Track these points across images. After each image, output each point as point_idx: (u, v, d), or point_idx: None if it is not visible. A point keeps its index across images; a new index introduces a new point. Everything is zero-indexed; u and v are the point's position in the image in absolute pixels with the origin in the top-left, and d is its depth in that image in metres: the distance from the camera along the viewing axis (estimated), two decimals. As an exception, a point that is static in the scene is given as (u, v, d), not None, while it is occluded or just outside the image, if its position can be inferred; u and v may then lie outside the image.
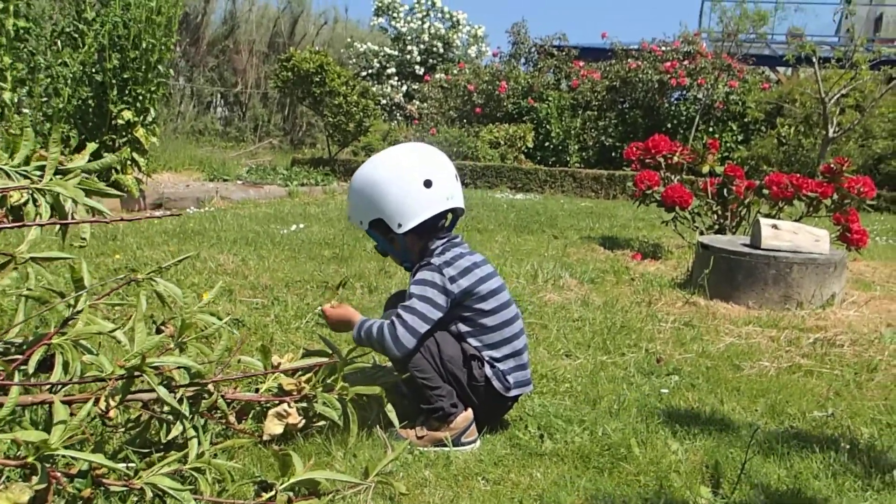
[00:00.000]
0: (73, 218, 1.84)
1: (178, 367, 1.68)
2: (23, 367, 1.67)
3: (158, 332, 1.94)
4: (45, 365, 1.72)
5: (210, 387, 1.76)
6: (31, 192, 1.75)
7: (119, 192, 2.00)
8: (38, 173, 1.85)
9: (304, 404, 1.98)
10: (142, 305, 1.77)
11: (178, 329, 1.85)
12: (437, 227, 2.21)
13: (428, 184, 2.09)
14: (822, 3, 15.23)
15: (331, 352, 2.12)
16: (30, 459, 1.39)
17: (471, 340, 2.15)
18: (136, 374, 1.57)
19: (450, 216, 2.27)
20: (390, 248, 2.27)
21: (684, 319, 3.64)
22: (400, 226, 2.11)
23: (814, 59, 10.27)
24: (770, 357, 3.08)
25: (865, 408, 2.53)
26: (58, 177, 1.76)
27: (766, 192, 5.19)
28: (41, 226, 1.65)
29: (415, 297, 2.08)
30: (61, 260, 1.84)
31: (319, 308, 3.23)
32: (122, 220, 1.72)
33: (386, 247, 2.27)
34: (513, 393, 2.16)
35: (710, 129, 12.54)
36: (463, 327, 2.16)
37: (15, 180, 1.77)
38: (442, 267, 2.11)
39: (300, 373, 2.02)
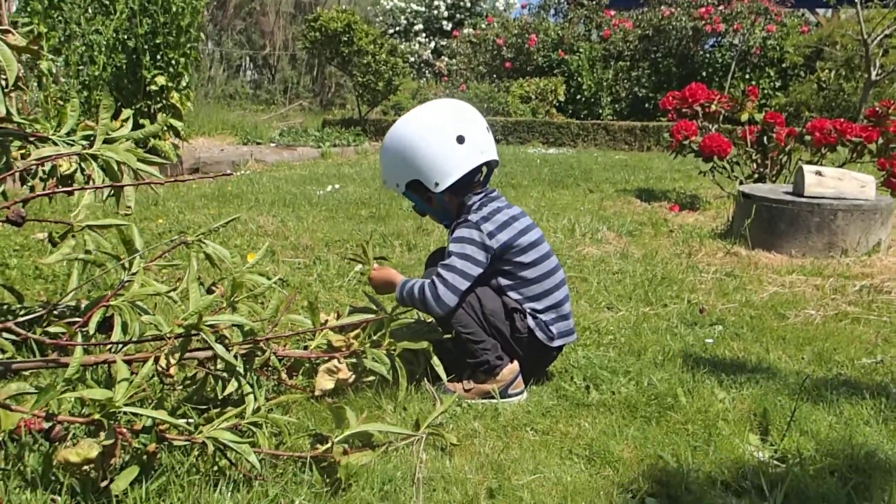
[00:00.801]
0: (120, 181, 1.87)
1: (232, 326, 1.71)
2: (83, 329, 1.72)
3: (209, 292, 1.98)
4: (105, 326, 1.77)
5: (262, 344, 1.79)
6: (78, 161, 1.78)
7: (161, 160, 2.02)
8: (84, 142, 1.88)
9: (353, 360, 2.01)
10: (193, 267, 1.80)
11: (230, 289, 1.88)
12: (473, 182, 2.19)
13: (461, 140, 2.08)
14: (863, -59, 14.64)
15: (376, 309, 2.15)
16: (95, 416, 1.44)
17: (511, 294, 2.15)
18: (193, 332, 1.61)
19: (484, 170, 2.24)
20: (428, 208, 2.26)
21: (726, 270, 3.61)
22: (437, 185, 2.10)
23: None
24: (815, 305, 3.05)
25: (915, 353, 2.50)
26: (106, 144, 1.78)
27: (807, 138, 5.09)
28: (97, 189, 1.68)
29: (454, 255, 2.07)
30: (114, 227, 1.87)
31: (358, 269, 3.26)
32: (173, 180, 1.75)
33: (424, 207, 2.26)
34: (556, 343, 2.17)
35: (747, 77, 12.28)
36: (503, 281, 2.16)
37: (63, 149, 1.80)
38: (480, 223, 2.09)
39: (348, 329, 2.05)
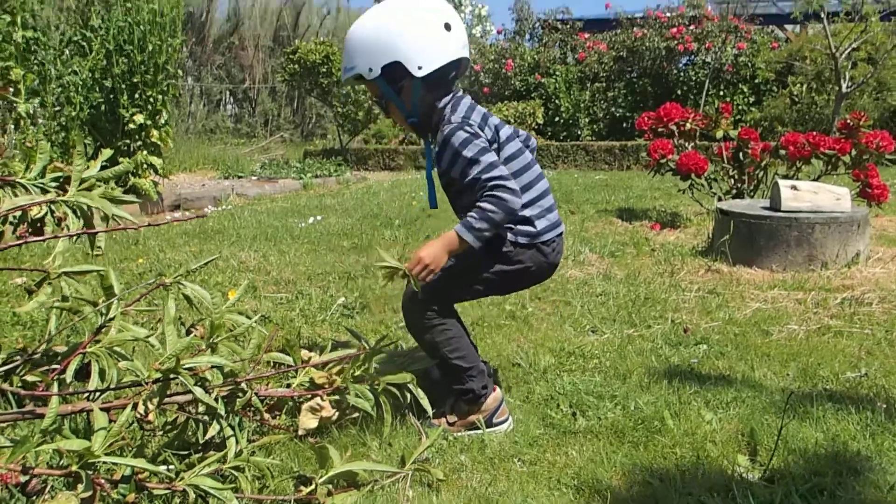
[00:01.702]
0: (94, 226, 1.85)
1: (212, 367, 1.69)
2: (60, 377, 1.69)
3: (189, 333, 1.96)
4: (82, 373, 1.74)
5: (243, 385, 1.77)
6: (48, 204, 1.77)
7: (137, 200, 2.01)
8: (54, 185, 1.87)
9: (337, 397, 2.00)
10: (171, 309, 1.78)
11: (209, 330, 1.87)
12: (447, 80, 2.08)
13: (448, 27, 1.99)
14: (829, -43, 14.93)
15: (359, 343, 2.13)
16: (73, 468, 1.42)
17: None
18: (172, 376, 1.59)
19: (454, 73, 2.11)
20: (396, 100, 2.05)
21: (708, 287, 3.62)
22: (420, 68, 1.96)
23: (822, 15, 10.13)
24: (798, 320, 3.06)
25: (898, 365, 2.51)
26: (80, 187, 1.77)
27: (782, 152, 5.14)
28: (71, 237, 1.66)
29: (471, 160, 1.93)
30: (92, 272, 1.85)
31: (341, 302, 3.25)
32: (147, 225, 1.74)
33: (392, 98, 2.05)
34: (546, 236, 2.10)
35: (721, 93, 12.42)
36: None
37: (34, 194, 1.78)
38: (463, 123, 1.97)
39: (330, 365, 2.03)
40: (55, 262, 1.84)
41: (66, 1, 6.32)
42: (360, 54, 1.99)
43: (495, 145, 2.03)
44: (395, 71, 1.97)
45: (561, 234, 2.18)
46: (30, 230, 1.79)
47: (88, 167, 1.99)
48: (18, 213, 1.72)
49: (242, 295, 3.31)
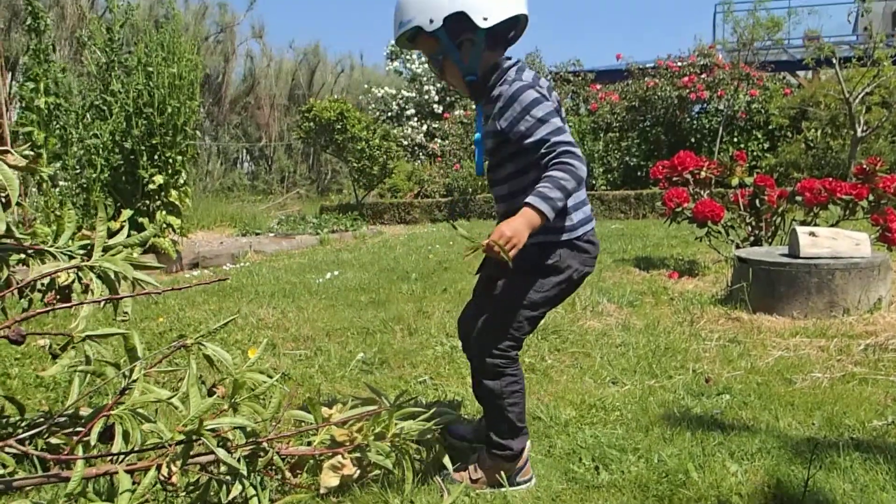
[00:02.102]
0: (119, 290, 1.89)
1: (234, 428, 1.70)
2: (85, 439, 1.71)
3: (210, 394, 1.97)
4: (106, 435, 1.75)
5: (265, 444, 1.77)
6: (76, 271, 1.80)
7: (159, 265, 2.04)
8: (82, 251, 1.91)
9: (358, 454, 1.99)
10: (192, 371, 1.80)
11: (231, 390, 1.88)
12: (508, 38, 2.04)
13: None
14: (836, 4, 15.14)
15: (379, 399, 2.13)
16: (98, 532, 1.42)
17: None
18: (195, 438, 1.60)
19: (512, 33, 2.07)
20: (456, 55, 1.95)
21: (729, 336, 3.60)
22: (485, 20, 1.87)
23: (834, 60, 10.22)
24: (821, 368, 3.03)
25: (925, 412, 2.48)
26: (103, 253, 1.81)
27: (799, 198, 5.14)
28: (96, 303, 1.69)
29: (542, 121, 1.85)
30: (115, 335, 1.88)
31: (360, 357, 3.25)
32: (171, 289, 1.77)
33: (451, 53, 1.95)
34: (584, 229, 2.02)
35: (735, 140, 12.47)
36: (533, 173, 1.91)
37: (61, 261, 1.82)
38: (535, 83, 1.92)
39: (351, 422, 2.03)
40: (79, 327, 1.87)
41: (88, 67, 6.48)
42: (419, 5, 1.89)
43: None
44: (457, 22, 1.88)
45: (593, 226, 2.09)
46: (57, 297, 1.82)
47: (114, 232, 2.04)
48: (47, 280, 1.76)
49: (262, 353, 3.33)
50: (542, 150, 1.84)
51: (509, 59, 2.01)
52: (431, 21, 1.87)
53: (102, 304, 1.95)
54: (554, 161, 1.81)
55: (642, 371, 3.09)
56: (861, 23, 13.62)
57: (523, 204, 1.78)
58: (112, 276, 1.85)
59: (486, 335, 2.03)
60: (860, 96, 10.13)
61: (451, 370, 3.13)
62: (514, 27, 2.03)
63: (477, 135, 2.08)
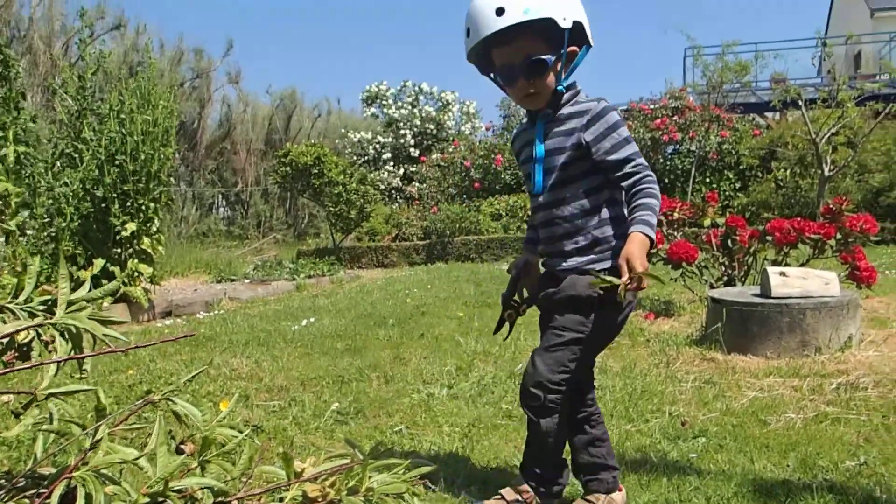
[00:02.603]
0: (83, 346, 1.86)
1: (202, 488, 1.67)
2: (46, 502, 1.66)
3: (179, 451, 1.93)
4: (68, 498, 1.71)
5: (235, 503, 1.74)
6: (36, 329, 1.77)
7: (121, 320, 2.01)
8: (42, 307, 1.88)
9: (331, 509, 1.96)
10: (160, 428, 1.77)
11: (200, 445, 1.84)
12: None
13: None
14: (800, 48, 15.55)
15: (353, 453, 2.11)
16: None
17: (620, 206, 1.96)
18: (161, 499, 1.56)
19: None
20: (542, 74, 1.89)
21: (704, 377, 3.60)
22: (591, 38, 1.93)
23: (800, 102, 10.46)
24: (795, 408, 3.04)
25: (899, 453, 2.48)
26: (67, 307, 1.78)
27: (769, 238, 5.21)
28: (59, 362, 1.66)
29: (627, 141, 1.88)
30: (80, 392, 1.84)
31: (334, 408, 3.20)
32: (136, 347, 1.74)
33: (560, 59, 1.89)
34: None
35: (708, 180, 12.66)
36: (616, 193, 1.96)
37: (21, 318, 1.79)
38: (611, 107, 1.92)
39: (323, 477, 2.00)
40: (43, 384, 1.84)
41: (60, 114, 6.46)
42: (551, 2, 1.81)
43: None
44: (575, 31, 1.86)
45: None
46: (17, 355, 1.79)
47: (80, 283, 2.01)
48: (6, 340, 1.73)
49: (234, 405, 3.28)
50: (627, 170, 1.85)
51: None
52: (564, 19, 1.81)
53: (64, 362, 1.92)
54: (644, 186, 1.82)
55: (619, 415, 3.08)
56: (825, 65, 13.96)
57: (633, 231, 1.77)
58: (76, 331, 1.83)
59: (546, 372, 1.94)
60: (826, 137, 10.35)
61: (427, 419, 3.10)
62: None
63: (539, 150, 1.97)
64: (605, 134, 1.87)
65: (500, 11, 1.77)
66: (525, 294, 2.15)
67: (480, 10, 1.81)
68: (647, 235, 1.76)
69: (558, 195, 1.96)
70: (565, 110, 1.93)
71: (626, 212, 1.92)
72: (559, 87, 1.91)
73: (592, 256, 1.93)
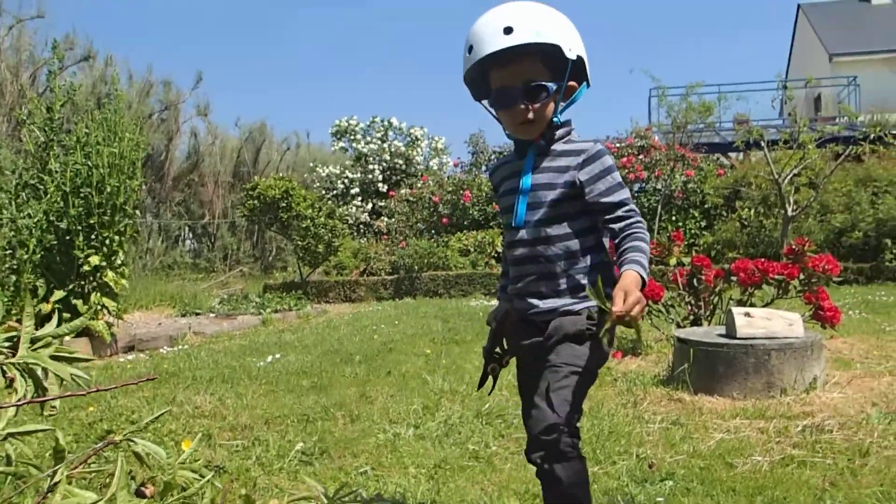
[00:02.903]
0: (45, 384, 1.81)
1: (161, 534, 1.62)
2: (-2, 552, 1.60)
3: (140, 494, 1.88)
4: (22, 546, 1.65)
5: (195, 550, 1.69)
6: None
7: (87, 357, 1.96)
8: (6, 345, 1.83)
9: (294, 555, 1.91)
10: (121, 470, 1.72)
11: (161, 489, 1.80)
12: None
13: None
14: (762, 90, 15.91)
15: (319, 493, 2.06)
16: None
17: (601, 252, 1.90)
18: (118, 547, 1.52)
19: None
20: (542, 101, 1.84)
21: (671, 418, 3.61)
22: (587, 80, 1.92)
23: (762, 143, 10.68)
24: (761, 450, 3.05)
25: (863, 496, 2.50)
26: (31, 344, 1.74)
27: (734, 278, 5.28)
28: (19, 406, 1.61)
29: (621, 185, 1.83)
30: (39, 432, 1.79)
31: (299, 448, 3.14)
32: (97, 390, 1.70)
33: (560, 89, 1.84)
34: None
35: (674, 218, 12.83)
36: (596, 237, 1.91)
37: (-16, 355, 1.74)
38: (606, 150, 1.87)
39: (288, 522, 1.95)
40: (0, 424, 1.78)
41: (27, 145, 6.37)
42: (564, 29, 1.80)
43: None
44: (577, 66, 1.83)
45: None
46: (-26, 394, 1.74)
47: (44, 317, 1.96)
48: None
49: (197, 445, 3.21)
50: (620, 213, 1.80)
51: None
52: (570, 50, 1.78)
53: (24, 402, 1.87)
54: (635, 230, 1.77)
55: (587, 457, 3.06)
56: (786, 108, 14.31)
57: (626, 270, 1.67)
58: (39, 370, 1.78)
59: (555, 412, 1.76)
60: (789, 177, 10.58)
61: (393, 459, 3.06)
62: None
63: (526, 182, 1.88)
64: (600, 176, 1.82)
65: (508, 30, 1.73)
66: (506, 345, 2.05)
67: (487, 27, 1.77)
68: (640, 275, 1.68)
69: (543, 233, 1.86)
70: (559, 146, 1.87)
71: (608, 259, 1.88)
72: (555, 119, 1.85)
73: (569, 300, 1.85)
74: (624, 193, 1.81)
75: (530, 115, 1.83)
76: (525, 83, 1.80)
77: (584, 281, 1.84)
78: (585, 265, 1.85)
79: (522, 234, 1.88)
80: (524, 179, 1.88)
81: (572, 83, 1.85)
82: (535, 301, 1.88)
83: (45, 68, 12.17)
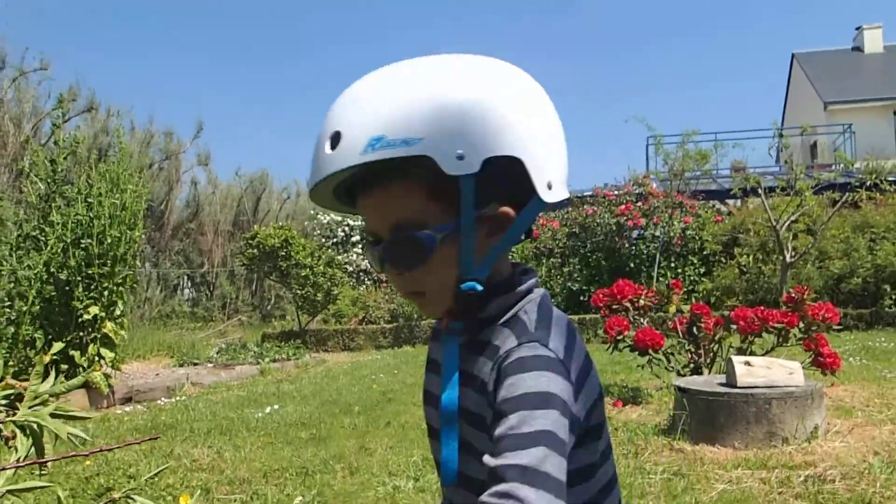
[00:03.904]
0: (43, 443, 1.80)
1: None
2: None
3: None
4: None
5: None
6: (-1, 423, 1.72)
7: (88, 416, 1.97)
8: (4, 402, 1.83)
9: None
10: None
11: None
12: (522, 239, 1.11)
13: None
14: (758, 138, 16.09)
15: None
16: None
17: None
18: None
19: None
20: (468, 241, 0.98)
21: (673, 469, 3.58)
22: (550, 188, 0.99)
23: (759, 191, 10.74)
24: (764, 501, 3.02)
25: (868, 549, 2.47)
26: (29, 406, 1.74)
27: (733, 327, 5.28)
28: (19, 467, 1.61)
29: (534, 435, 0.88)
30: (37, 489, 1.78)
31: (298, 501, 3.11)
32: (99, 451, 1.69)
33: (466, 231, 0.97)
34: None
35: (673, 265, 12.84)
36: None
37: (-18, 412, 1.74)
38: (559, 351, 0.97)
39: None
40: (0, 483, 1.77)
41: (28, 196, 6.41)
42: (439, 120, 0.92)
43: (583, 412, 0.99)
44: (500, 177, 0.97)
45: None
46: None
47: (41, 359, 1.97)
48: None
49: (194, 501, 3.17)
50: (493, 481, 0.87)
51: (525, 272, 1.09)
52: (461, 157, 0.92)
53: (24, 458, 1.86)
54: None
55: (588, 509, 3.03)
56: (783, 155, 14.44)
57: None
58: (37, 428, 1.78)
59: None
60: (786, 224, 10.61)
61: (392, 513, 3.03)
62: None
63: (446, 399, 1.02)
64: (509, 402, 0.91)
65: (334, 139, 0.95)
66: None
67: (319, 135, 0.99)
68: None
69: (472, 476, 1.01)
70: (486, 333, 1.02)
71: None
72: (467, 286, 1.00)
73: None
74: (518, 456, 0.86)
75: (409, 288, 1.04)
76: (390, 231, 1.01)
77: None
78: None
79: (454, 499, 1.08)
80: (444, 395, 1.02)
81: (504, 209, 1.00)
82: None
83: (48, 120, 12.34)
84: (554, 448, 0.88)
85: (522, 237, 1.06)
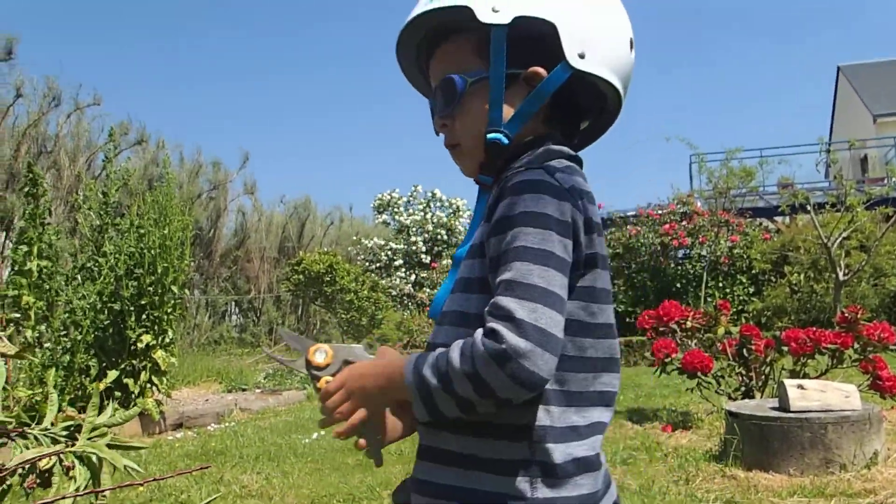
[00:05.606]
0: (99, 474, 1.84)
1: None
2: None
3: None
4: None
5: None
6: (58, 455, 1.77)
7: (143, 446, 2.01)
8: (64, 434, 1.88)
9: None
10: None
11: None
12: (576, 116, 1.19)
13: (631, 44, 1.14)
14: (804, 153, 15.81)
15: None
16: None
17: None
18: None
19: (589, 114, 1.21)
20: (497, 92, 1.07)
21: (726, 496, 3.50)
22: (582, 57, 1.05)
23: (808, 207, 10.54)
24: (822, 530, 2.94)
25: (933, 581, 2.39)
26: (87, 437, 1.78)
27: (785, 348, 5.16)
28: (77, 496, 1.65)
29: (524, 249, 0.94)
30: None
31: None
32: (153, 479, 1.73)
33: (495, 84, 1.06)
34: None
35: (721, 284, 12.64)
36: None
37: (44, 444, 1.79)
38: (556, 173, 1.00)
39: None
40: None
41: (82, 228, 6.60)
42: None
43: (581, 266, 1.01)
44: (532, 39, 1.05)
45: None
46: (38, 480, 1.79)
47: (96, 387, 2.02)
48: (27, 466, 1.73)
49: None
50: (486, 309, 0.94)
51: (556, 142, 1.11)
52: (495, 10, 1.02)
53: (84, 493, 1.91)
54: (487, 329, 0.91)
55: (639, 538, 2.99)
56: (832, 170, 14.17)
57: (420, 356, 1.01)
58: (94, 458, 1.82)
59: None
60: (838, 241, 10.37)
61: (441, 541, 3.01)
62: (594, 106, 1.17)
63: (460, 249, 1.12)
64: (497, 230, 0.98)
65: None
66: None
67: None
68: (410, 368, 1.00)
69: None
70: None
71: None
72: (492, 136, 1.07)
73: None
74: (515, 285, 0.92)
75: (447, 137, 1.14)
76: (439, 81, 1.12)
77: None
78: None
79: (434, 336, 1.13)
80: (462, 246, 1.11)
81: (534, 68, 1.07)
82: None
83: (101, 154, 12.69)
84: (543, 263, 0.93)
85: (562, 121, 1.14)
